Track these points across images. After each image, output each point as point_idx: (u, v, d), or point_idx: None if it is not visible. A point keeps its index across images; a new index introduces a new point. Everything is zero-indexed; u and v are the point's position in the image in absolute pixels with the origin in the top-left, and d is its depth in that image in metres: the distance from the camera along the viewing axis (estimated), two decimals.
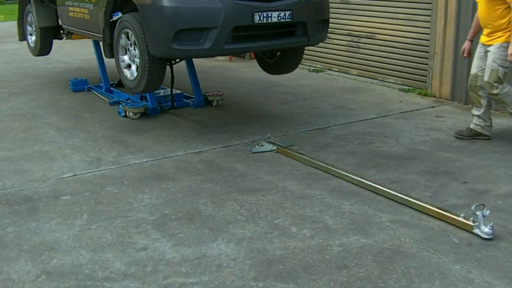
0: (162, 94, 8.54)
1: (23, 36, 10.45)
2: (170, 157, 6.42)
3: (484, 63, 6.63)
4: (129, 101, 8.44)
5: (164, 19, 6.25)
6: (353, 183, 5.57)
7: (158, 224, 4.79)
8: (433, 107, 8.38)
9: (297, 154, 6.28)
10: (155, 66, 6.61)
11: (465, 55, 7.07)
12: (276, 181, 5.67)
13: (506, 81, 6.59)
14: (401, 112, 8.16)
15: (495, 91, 6.51)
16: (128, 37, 6.86)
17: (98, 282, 3.93)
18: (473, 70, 6.83)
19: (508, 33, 6.39)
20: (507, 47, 6.37)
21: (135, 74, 6.84)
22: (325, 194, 5.34)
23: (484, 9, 6.53)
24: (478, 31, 6.93)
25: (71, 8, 8.41)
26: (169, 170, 6.03)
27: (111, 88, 9.37)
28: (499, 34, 6.44)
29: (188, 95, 8.87)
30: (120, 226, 4.77)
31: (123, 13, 6.93)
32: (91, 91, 9.64)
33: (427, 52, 9.07)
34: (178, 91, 8.69)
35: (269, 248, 4.35)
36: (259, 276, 3.98)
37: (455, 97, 8.67)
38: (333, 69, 11.11)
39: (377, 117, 7.90)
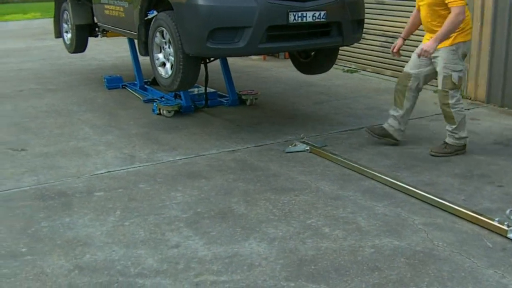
0: (196, 92, 8.54)
1: (59, 34, 10.56)
2: (203, 155, 6.43)
3: (423, 63, 6.35)
4: (163, 99, 8.48)
5: (199, 18, 6.27)
6: (386, 185, 5.53)
7: (191, 222, 4.80)
8: (468, 109, 8.27)
9: (331, 155, 6.26)
10: (190, 64, 6.64)
11: (394, 51, 6.74)
12: (309, 181, 5.65)
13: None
14: (435, 114, 8.07)
15: (449, 101, 6.17)
16: (163, 36, 6.89)
17: (130, 278, 3.96)
18: (407, 68, 6.57)
19: (455, 35, 6.07)
20: (456, 49, 6.12)
21: (170, 72, 6.87)
22: (358, 195, 5.31)
23: (428, 14, 6.19)
24: (414, 30, 6.71)
25: (106, 6, 8.48)
26: (202, 168, 6.04)
27: (145, 86, 9.43)
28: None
29: (222, 93, 8.89)
30: (152, 223, 4.79)
31: (158, 12, 6.96)
32: (125, 88, 9.71)
33: None
34: (212, 90, 8.71)
35: (301, 248, 4.34)
36: (291, 276, 3.97)
37: (490, 99, 8.57)
38: (367, 70, 11.06)
39: (411, 119, 7.78)
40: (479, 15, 8.51)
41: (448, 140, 6.38)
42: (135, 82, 9.59)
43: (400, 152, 6.49)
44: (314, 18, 6.52)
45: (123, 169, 6.03)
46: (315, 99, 9.00)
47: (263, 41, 6.36)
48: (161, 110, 8.02)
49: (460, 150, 6.39)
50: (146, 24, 7.27)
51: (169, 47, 6.81)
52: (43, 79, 10.73)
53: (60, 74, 11.15)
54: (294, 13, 6.37)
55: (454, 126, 6.28)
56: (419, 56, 6.22)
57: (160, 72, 7.09)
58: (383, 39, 10.57)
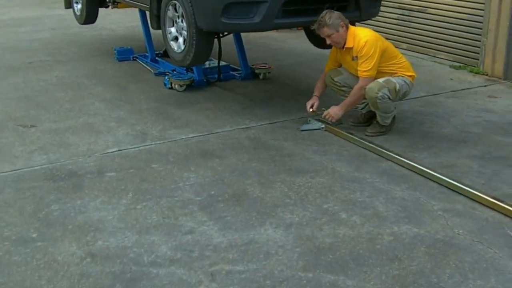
0: (208, 66, 8.37)
1: (69, 4, 10.35)
2: (216, 133, 6.30)
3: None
4: (174, 72, 8.33)
5: None
6: (404, 167, 5.40)
7: (205, 205, 4.69)
8: (485, 86, 8.12)
9: (346, 134, 6.12)
10: (203, 39, 6.48)
11: (311, 110, 6.40)
12: (325, 162, 5.52)
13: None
14: (452, 91, 7.93)
15: (377, 94, 5.91)
16: (175, 9, 6.73)
17: (143, 268, 3.86)
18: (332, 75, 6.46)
19: (401, 71, 6.15)
20: (409, 82, 6.14)
21: (182, 47, 6.72)
22: (375, 178, 5.19)
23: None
24: (325, 88, 6.60)
25: None
26: (215, 146, 5.92)
27: (156, 58, 9.27)
28: (393, 71, 6.14)
29: (235, 67, 8.73)
30: (165, 206, 4.68)
31: None
32: (136, 60, 9.55)
33: (481, 29, 8.78)
34: (224, 63, 8.55)
35: (318, 235, 4.23)
36: (308, 265, 3.87)
37: (508, 76, 8.40)
38: None
39: (427, 95, 7.67)
40: None
41: (378, 120, 6.26)
42: (146, 54, 9.43)
43: (416, 131, 6.36)
44: None
45: (134, 148, 5.92)
46: None
47: (278, 16, 6.19)
48: (172, 84, 7.88)
49: (391, 126, 6.33)
50: None
51: (182, 21, 6.65)
52: (53, 50, 10.57)
53: (70, 45, 10.98)
54: None
55: (378, 111, 6.14)
56: (324, 117, 6.30)
57: (172, 47, 6.94)
58: (400, 12, 10.35)
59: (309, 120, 6.51)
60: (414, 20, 10.10)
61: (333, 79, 6.36)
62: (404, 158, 5.49)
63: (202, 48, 6.55)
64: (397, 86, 6.00)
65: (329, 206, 4.67)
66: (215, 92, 7.83)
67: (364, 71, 5.97)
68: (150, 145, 5.99)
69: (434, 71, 8.98)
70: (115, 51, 9.72)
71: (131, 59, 9.62)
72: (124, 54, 9.66)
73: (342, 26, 6.02)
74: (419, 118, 6.76)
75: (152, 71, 8.83)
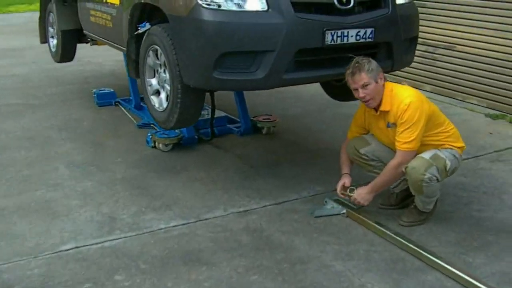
0: (200, 118, 6.88)
1: (44, 39, 9.04)
2: (206, 219, 4.86)
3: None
4: None
5: (203, 38, 4.61)
6: (458, 282, 3.95)
7: None
8: None
9: (375, 225, 4.67)
10: (190, 97, 5.03)
11: (342, 192, 4.98)
12: (349, 274, 4.06)
13: None
14: (495, 151, 6.51)
15: (424, 176, 4.50)
16: (157, 56, 5.32)
17: None
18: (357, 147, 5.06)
19: (449, 141, 4.75)
20: (458, 156, 4.77)
21: (165, 105, 5.29)
22: None
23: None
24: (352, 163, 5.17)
25: (92, 12, 6.89)
26: (203, 245, 4.46)
27: (141, 104, 7.83)
28: (440, 142, 4.74)
29: (233, 118, 7.31)
30: None
31: (151, 24, 5.37)
32: (118, 106, 8.17)
33: None
34: (222, 114, 7.15)
35: None
36: None
37: None
38: (402, 83, 9.46)
39: (468, 158, 6.18)
40: None
41: (418, 205, 4.83)
42: (130, 99, 8.04)
43: (464, 216, 4.94)
44: (358, 37, 4.88)
45: (97, 244, 4.48)
46: (346, 126, 7.26)
47: (290, 69, 4.72)
48: (156, 143, 6.48)
49: (433, 212, 4.91)
50: (137, 39, 5.68)
51: (164, 72, 5.23)
52: (28, 89, 9.24)
53: (49, 84, 9.63)
54: (332, 32, 4.74)
55: (421, 196, 4.71)
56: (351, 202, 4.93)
57: (153, 103, 5.50)
58: (423, 48, 8.97)
59: (326, 201, 5.09)
60: (439, 58, 8.77)
61: (358, 151, 4.95)
62: (457, 269, 4.02)
63: (189, 107, 5.11)
64: (448, 164, 4.60)
65: None
66: (208, 154, 6.41)
67: (405, 142, 4.53)
68: (118, 239, 4.55)
69: (468, 121, 7.55)
70: (94, 95, 8.35)
71: (113, 104, 8.25)
72: (105, 99, 8.32)
73: (381, 79, 4.69)
74: (464, 195, 5.34)
75: (135, 121, 7.41)
